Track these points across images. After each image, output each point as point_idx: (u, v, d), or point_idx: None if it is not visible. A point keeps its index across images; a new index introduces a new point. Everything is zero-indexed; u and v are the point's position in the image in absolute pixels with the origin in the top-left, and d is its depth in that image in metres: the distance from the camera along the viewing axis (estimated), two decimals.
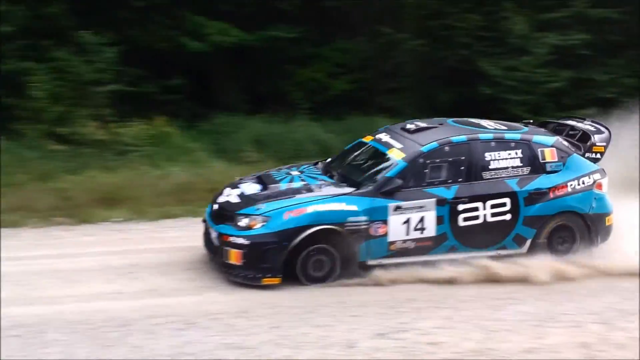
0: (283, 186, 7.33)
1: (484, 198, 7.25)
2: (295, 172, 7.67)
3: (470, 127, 7.71)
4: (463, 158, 7.31)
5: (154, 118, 11.37)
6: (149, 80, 11.75)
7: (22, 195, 8.86)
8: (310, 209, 6.86)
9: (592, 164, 7.70)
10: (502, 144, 7.50)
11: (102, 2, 11.77)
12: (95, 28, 11.36)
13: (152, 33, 11.99)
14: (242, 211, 6.89)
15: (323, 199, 7.01)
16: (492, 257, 7.23)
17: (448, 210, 7.18)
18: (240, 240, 6.67)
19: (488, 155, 7.36)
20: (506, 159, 7.42)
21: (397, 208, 7.05)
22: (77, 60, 11.19)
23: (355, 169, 7.57)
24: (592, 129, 8.09)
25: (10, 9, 11.02)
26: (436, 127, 7.75)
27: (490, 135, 7.59)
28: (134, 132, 11.13)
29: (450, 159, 7.31)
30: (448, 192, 7.19)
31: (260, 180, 7.51)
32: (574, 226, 7.52)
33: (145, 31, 11.98)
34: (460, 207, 7.19)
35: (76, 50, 11.27)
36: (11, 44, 11.12)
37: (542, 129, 8.10)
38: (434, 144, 7.33)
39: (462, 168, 7.30)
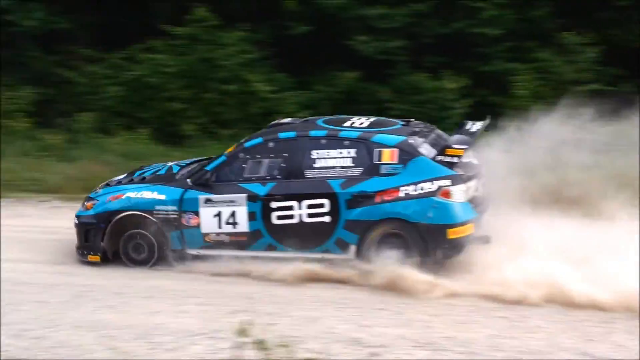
0: (137, 175, 7.78)
1: (299, 197, 6.86)
2: (171, 164, 7.97)
3: (330, 126, 7.24)
4: (286, 155, 7.02)
5: None
6: (626, 80, 11.84)
7: None
8: (125, 195, 7.25)
9: (444, 169, 6.68)
10: (334, 142, 6.98)
11: (586, 3, 12.27)
12: (577, 29, 12.09)
13: (631, 32, 12.21)
14: (90, 195, 7.55)
15: (139, 187, 7.33)
16: (319, 260, 6.77)
17: (260, 207, 6.95)
18: (75, 221, 7.39)
19: (315, 153, 6.93)
20: (336, 157, 6.91)
21: (208, 201, 7.06)
22: (559, 60, 12.03)
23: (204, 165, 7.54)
24: (426, 129, 7.40)
25: (500, 13, 12.03)
26: (294, 123, 7.68)
27: (322, 132, 7.14)
28: None
29: (272, 155, 7.08)
30: (262, 189, 6.96)
31: (135, 169, 8.12)
32: (407, 236, 6.65)
33: (625, 30, 12.24)
34: (274, 204, 6.90)
35: (558, 51, 12.12)
36: (498, 46, 12.16)
37: (410, 128, 7.32)
38: (259, 139, 7.23)
39: (283, 165, 7.00)
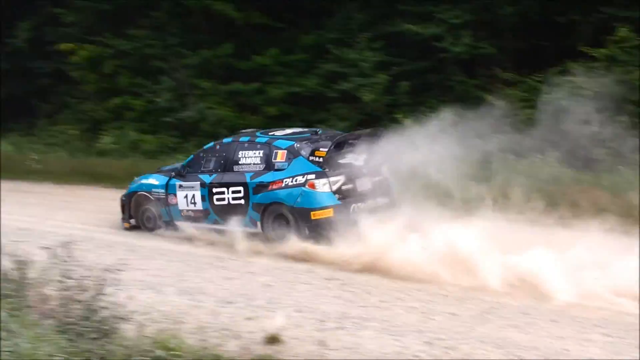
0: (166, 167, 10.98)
1: (227, 185, 9.42)
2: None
3: (258, 133, 9.99)
4: (224, 154, 9.66)
5: None
6: None
7: None
8: (140, 181, 10.56)
9: (313, 166, 8.86)
10: (253, 145, 9.48)
11: None
12: None
13: None
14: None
15: (148, 176, 10.59)
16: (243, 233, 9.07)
17: (207, 192, 9.63)
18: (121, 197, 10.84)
19: (241, 154, 9.44)
20: (251, 157, 9.33)
21: (181, 186, 9.95)
22: None
23: None
24: (325, 138, 9.38)
25: None
26: (244, 132, 10.50)
27: (247, 138, 9.76)
28: None
29: (217, 155, 9.77)
30: (209, 179, 9.64)
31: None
32: (286, 215, 8.90)
33: None
34: (214, 190, 9.54)
35: None
36: None
37: (305, 135, 9.62)
38: (211, 143, 10.15)
39: (222, 162, 9.64)
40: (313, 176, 8.81)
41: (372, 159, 9.16)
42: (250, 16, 16.10)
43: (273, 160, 9.18)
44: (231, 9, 15.89)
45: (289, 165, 9.02)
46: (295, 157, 9.04)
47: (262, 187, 9.12)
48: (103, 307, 4.95)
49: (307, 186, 8.81)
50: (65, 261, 5.18)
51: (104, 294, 5.09)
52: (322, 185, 8.81)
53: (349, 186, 9.02)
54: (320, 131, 9.89)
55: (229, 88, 15.92)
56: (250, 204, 9.21)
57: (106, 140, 16.39)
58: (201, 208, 9.70)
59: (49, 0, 18.33)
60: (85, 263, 5.44)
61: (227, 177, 9.51)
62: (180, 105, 16.21)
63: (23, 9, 18.79)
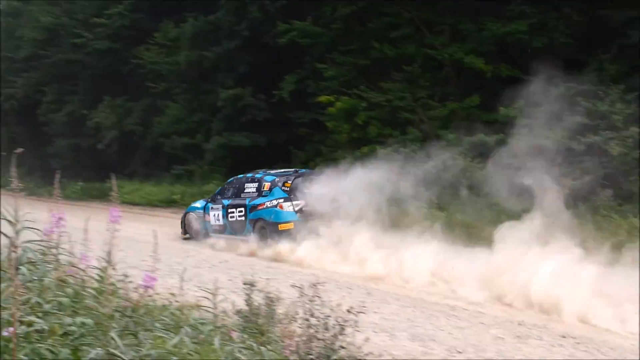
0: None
1: (236, 206, 13.88)
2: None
3: (260, 172, 14.40)
4: (237, 185, 14.34)
5: None
6: None
7: None
8: (192, 204, 15.82)
9: (284, 193, 13.24)
10: (252, 179, 14.03)
11: None
12: None
13: None
14: None
15: (197, 201, 15.86)
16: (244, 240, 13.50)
17: (225, 212, 14.15)
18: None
19: (246, 185, 13.97)
20: (251, 187, 13.83)
21: (212, 208, 14.56)
22: None
23: None
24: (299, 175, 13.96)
25: None
26: (258, 172, 14.44)
27: (251, 174, 14.34)
28: None
29: (233, 186, 14.47)
30: (227, 202, 14.23)
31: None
32: (266, 227, 13.18)
33: None
34: (229, 210, 14.03)
35: None
36: None
37: (289, 173, 14.25)
38: (231, 179, 15.02)
39: (235, 190, 14.28)
40: (282, 200, 13.11)
41: (317, 189, 12.82)
42: (499, 69, 16.17)
43: (262, 190, 13.53)
44: (481, 62, 16.14)
45: (270, 192, 13.32)
46: (274, 187, 13.37)
47: (254, 208, 13.53)
48: (342, 347, 5.32)
49: (278, 207, 13.10)
50: (311, 300, 5.67)
51: (344, 334, 5.48)
52: (287, 207, 13.08)
53: (306, 207, 12.88)
54: (301, 171, 14.65)
55: (472, 140, 16.01)
56: (247, 219, 13.62)
57: None
58: (222, 223, 14.24)
59: (314, 57, 20.05)
60: (328, 303, 5.89)
61: (237, 201, 14.05)
62: (425, 155, 16.63)
63: (290, 64, 20.74)
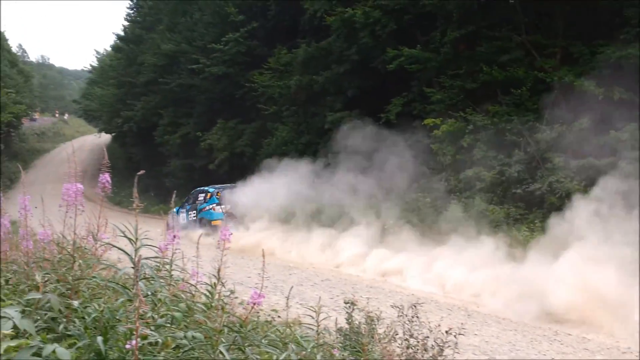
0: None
1: (193, 210, 21.23)
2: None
3: (210, 187, 21.92)
4: (194, 196, 21.94)
5: None
6: None
7: None
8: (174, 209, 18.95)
9: (217, 200, 20.00)
10: (203, 191, 21.46)
11: None
12: None
13: None
14: None
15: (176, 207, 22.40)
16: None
17: (187, 214, 21.48)
18: None
19: (199, 196, 21.42)
20: (202, 196, 21.17)
21: (180, 212, 21.58)
22: None
23: None
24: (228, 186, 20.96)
25: None
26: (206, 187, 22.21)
27: (201, 188, 21.97)
28: None
29: (192, 196, 22.06)
30: (188, 207, 21.57)
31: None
32: (206, 223, 19.43)
33: None
34: (189, 213, 21.30)
35: None
36: None
37: (227, 186, 21.42)
38: (192, 191, 22.61)
39: (193, 199, 21.82)
40: (215, 205, 20.01)
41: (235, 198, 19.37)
42: (611, 92, 15.52)
43: (207, 198, 20.54)
44: (593, 85, 15.57)
45: (211, 199, 20.24)
46: (212, 196, 20.38)
47: (200, 210, 20.59)
48: None
49: (212, 209, 20.14)
50: (410, 321, 5.64)
51: (443, 356, 5.40)
52: (218, 209, 19.95)
53: (229, 210, 19.08)
54: (235, 185, 20.51)
55: (581, 163, 15.39)
56: (198, 219, 20.55)
57: (452, 209, 17.03)
58: (186, 221, 20.78)
59: (421, 80, 19.97)
60: (427, 323, 5.82)
61: (193, 206, 21.25)
62: (530, 177, 16.15)
63: (397, 87, 20.74)
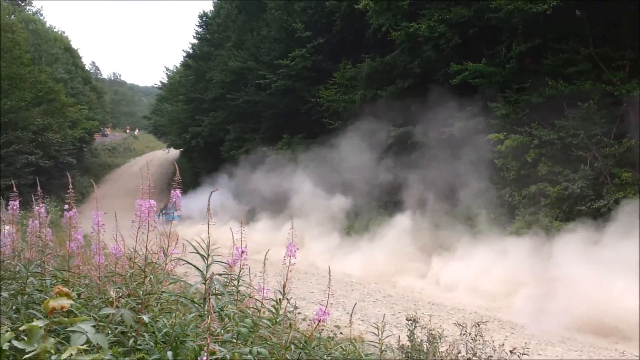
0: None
1: (165, 213, 29.85)
2: None
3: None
4: (168, 201, 17.42)
5: None
6: None
7: None
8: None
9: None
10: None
11: None
12: None
13: None
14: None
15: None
16: None
17: (159, 215, 26.43)
18: None
19: (169, 200, 17.44)
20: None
21: (158, 215, 24.39)
22: None
23: None
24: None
25: None
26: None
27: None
28: None
29: (167, 201, 22.38)
30: (163, 210, 29.53)
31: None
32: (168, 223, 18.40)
33: None
34: (162, 214, 29.01)
35: None
36: None
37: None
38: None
39: (166, 203, 25.18)
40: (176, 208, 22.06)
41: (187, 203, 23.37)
42: None
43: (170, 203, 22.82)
44: None
45: (173, 205, 22.33)
46: (177, 201, 22.55)
47: (166, 213, 28.49)
48: None
49: (171, 213, 26.85)
50: (474, 339, 5.56)
51: None
52: (173, 213, 26.17)
53: (180, 213, 26.93)
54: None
55: None
56: (168, 219, 23.45)
57: (516, 225, 16.68)
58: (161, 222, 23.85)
59: (485, 94, 19.68)
60: (492, 342, 5.72)
61: (164, 210, 28.68)
62: (595, 194, 15.65)
63: (461, 101, 20.49)
